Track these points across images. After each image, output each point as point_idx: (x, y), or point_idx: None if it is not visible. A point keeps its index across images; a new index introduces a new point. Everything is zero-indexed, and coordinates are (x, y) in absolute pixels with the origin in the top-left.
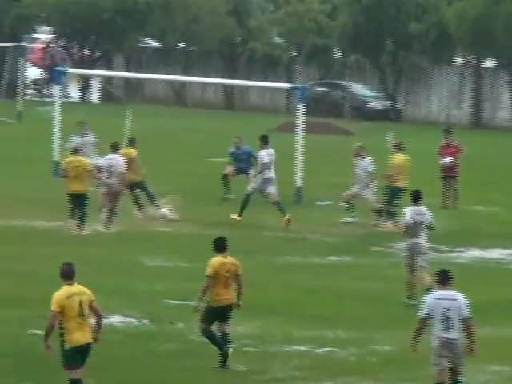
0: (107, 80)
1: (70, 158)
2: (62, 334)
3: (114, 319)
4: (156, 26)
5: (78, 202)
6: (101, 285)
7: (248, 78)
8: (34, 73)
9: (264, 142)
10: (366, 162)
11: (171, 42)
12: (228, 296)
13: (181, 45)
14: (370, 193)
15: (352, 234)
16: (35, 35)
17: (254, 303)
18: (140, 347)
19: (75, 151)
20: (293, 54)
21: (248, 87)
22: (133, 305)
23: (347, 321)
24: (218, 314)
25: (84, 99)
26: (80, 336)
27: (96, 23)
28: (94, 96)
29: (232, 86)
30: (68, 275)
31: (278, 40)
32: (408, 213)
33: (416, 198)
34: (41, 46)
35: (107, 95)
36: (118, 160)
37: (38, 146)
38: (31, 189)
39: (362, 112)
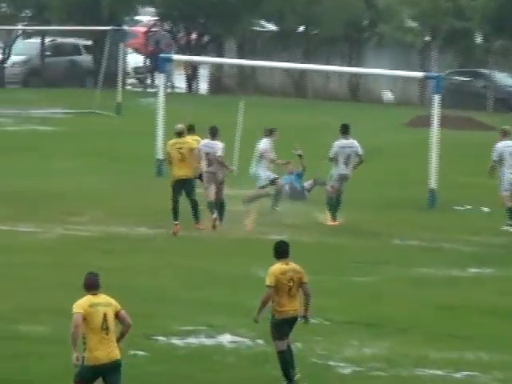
0: (217, 68)
1: (173, 140)
2: (84, 349)
3: (224, 339)
4: (273, 6)
5: (184, 189)
6: (208, 299)
7: (376, 66)
8: (135, 60)
9: (343, 130)
10: (502, 145)
11: (290, 24)
12: (293, 307)
13: (301, 28)
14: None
15: (495, 242)
16: (137, 17)
17: (383, 321)
18: (253, 371)
19: (180, 134)
20: (427, 38)
21: (376, 76)
22: (245, 323)
23: (490, 341)
24: (286, 326)
25: (191, 89)
26: (102, 354)
27: (205, 4)
28: (203, 86)
29: (358, 75)
30: (92, 286)
31: (410, 23)
32: None
33: None
34: (143, 29)
35: (217, 85)
36: (214, 146)
37: (139, 142)
38: (132, 191)
39: (508, 104)
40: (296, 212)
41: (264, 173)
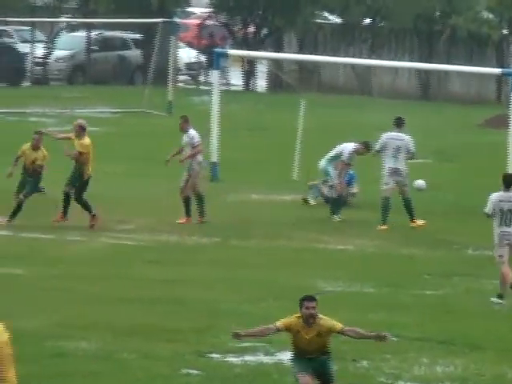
0: (276, 64)
1: (89, 140)
2: None
3: (284, 356)
4: None
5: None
6: (266, 314)
7: (449, 62)
8: (187, 55)
9: (395, 123)
10: None
11: (355, 17)
12: None
13: (367, 21)
14: None
15: None
16: (189, 9)
17: (456, 337)
18: None
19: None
20: (505, 31)
21: (449, 73)
22: None
23: None
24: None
25: (248, 87)
26: None
27: None
28: (261, 83)
29: (429, 71)
30: None
31: (486, 14)
32: (492, 199)
33: (507, 183)
34: (196, 22)
35: (276, 82)
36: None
37: None
38: None
39: None
40: (358, 219)
41: (334, 171)
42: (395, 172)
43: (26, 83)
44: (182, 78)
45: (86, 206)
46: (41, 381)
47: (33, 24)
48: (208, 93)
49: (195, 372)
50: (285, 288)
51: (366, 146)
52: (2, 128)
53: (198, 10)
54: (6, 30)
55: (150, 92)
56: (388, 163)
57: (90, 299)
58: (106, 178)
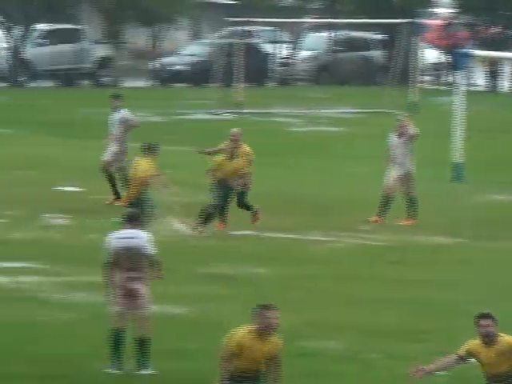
0: None
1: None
2: None
3: None
4: None
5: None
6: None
7: None
8: (430, 55)
9: None
10: None
11: None
12: None
13: None
14: None
15: None
16: (433, 9)
17: None
18: None
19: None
20: None
21: None
22: None
23: None
24: None
25: (492, 87)
26: None
27: None
28: (505, 84)
29: None
30: None
31: None
32: None
33: None
34: (439, 22)
35: None
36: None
37: (432, 144)
38: (427, 197)
39: None
40: None
41: None
42: None
43: (271, 83)
44: (424, 78)
45: (247, 207)
46: (287, 381)
47: (277, 24)
48: (448, 93)
49: (441, 372)
50: None
51: None
52: (248, 128)
53: (441, 11)
54: (251, 31)
55: (393, 92)
56: None
57: (337, 299)
58: (350, 178)
